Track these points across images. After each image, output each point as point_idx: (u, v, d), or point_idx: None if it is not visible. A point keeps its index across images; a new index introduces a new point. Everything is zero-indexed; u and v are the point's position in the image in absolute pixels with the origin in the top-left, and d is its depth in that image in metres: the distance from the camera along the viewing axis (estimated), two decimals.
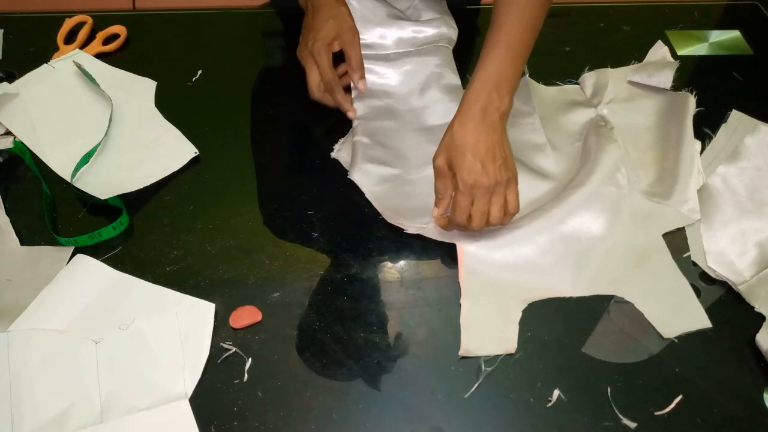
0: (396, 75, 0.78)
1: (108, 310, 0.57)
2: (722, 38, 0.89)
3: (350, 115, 0.74)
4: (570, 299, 0.61)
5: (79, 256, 0.61)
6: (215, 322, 0.57)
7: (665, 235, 0.65)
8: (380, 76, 0.78)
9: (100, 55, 0.82)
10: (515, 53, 0.61)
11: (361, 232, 0.66)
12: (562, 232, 0.64)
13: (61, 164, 0.69)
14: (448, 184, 0.61)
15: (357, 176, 0.68)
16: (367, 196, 0.67)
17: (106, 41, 0.83)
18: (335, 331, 0.58)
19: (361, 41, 0.77)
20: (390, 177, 0.69)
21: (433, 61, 0.78)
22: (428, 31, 0.79)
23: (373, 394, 0.54)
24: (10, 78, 0.77)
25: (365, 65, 0.76)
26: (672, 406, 0.54)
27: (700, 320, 0.59)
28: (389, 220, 0.65)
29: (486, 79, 0.61)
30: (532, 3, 0.62)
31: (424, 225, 0.64)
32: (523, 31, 0.62)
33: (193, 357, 0.55)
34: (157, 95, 0.77)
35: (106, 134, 0.71)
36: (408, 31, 0.79)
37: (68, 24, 0.84)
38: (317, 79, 0.72)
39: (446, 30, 0.80)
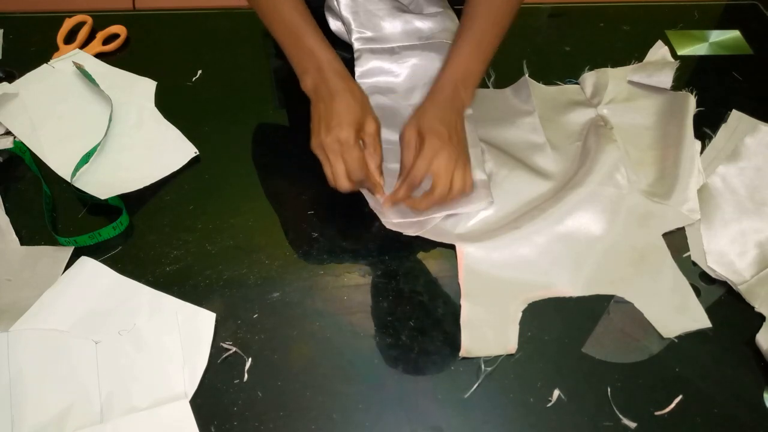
0: (402, 69, 0.77)
1: (109, 315, 0.57)
2: (722, 38, 0.89)
3: (379, 196, 0.65)
4: (570, 299, 0.61)
5: (83, 259, 0.61)
6: (216, 320, 0.57)
7: (665, 235, 0.65)
8: (387, 72, 0.77)
9: (100, 55, 0.82)
10: (482, 51, 0.67)
11: (361, 232, 0.66)
12: (560, 232, 0.64)
13: (61, 164, 0.69)
14: (413, 155, 0.63)
15: None
16: (365, 193, 0.67)
17: (106, 41, 0.83)
18: (335, 331, 0.58)
19: (365, 35, 0.76)
20: (386, 172, 0.68)
21: (438, 57, 0.77)
22: (432, 25, 0.79)
23: (373, 394, 0.54)
24: (10, 78, 0.77)
25: (371, 60, 0.76)
26: (672, 406, 0.54)
27: (700, 320, 0.59)
28: (388, 226, 0.65)
29: (454, 73, 0.66)
30: (502, 5, 0.67)
31: (414, 220, 0.64)
32: (491, 32, 0.68)
33: (193, 357, 0.55)
34: (157, 95, 0.77)
35: (106, 134, 0.71)
36: (412, 25, 0.79)
37: (68, 24, 0.84)
38: (343, 170, 0.61)
39: (450, 24, 0.80)
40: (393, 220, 0.65)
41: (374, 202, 0.66)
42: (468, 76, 0.67)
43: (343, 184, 0.61)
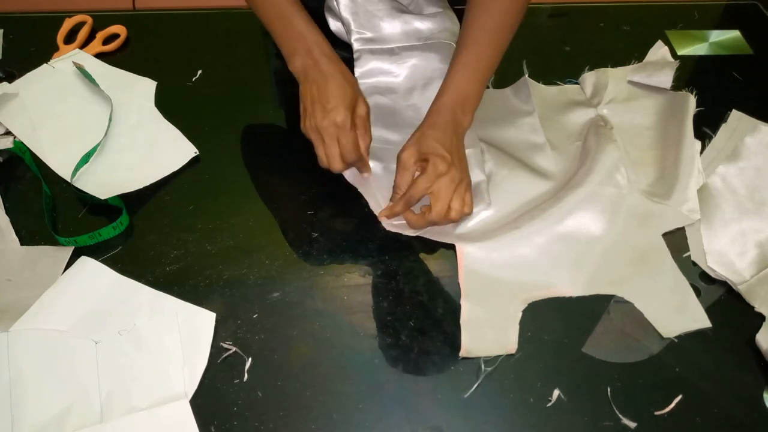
0: (401, 70, 0.78)
1: (109, 315, 0.57)
2: (722, 38, 0.89)
3: (366, 175, 0.69)
4: (570, 299, 0.61)
5: (83, 259, 0.61)
6: (216, 320, 0.57)
7: (665, 235, 0.65)
8: (386, 72, 0.77)
9: (100, 55, 0.82)
10: (481, 74, 0.66)
11: (361, 232, 0.66)
12: (560, 232, 0.64)
13: (61, 164, 0.69)
14: (409, 179, 0.63)
15: (349, 175, 0.69)
16: (361, 191, 0.68)
17: (106, 41, 0.83)
18: (335, 331, 0.58)
19: (364, 35, 0.76)
20: (387, 173, 0.69)
21: (437, 58, 0.77)
22: (432, 26, 0.79)
23: (373, 394, 0.54)
24: (10, 78, 0.77)
25: (371, 61, 0.76)
26: (672, 406, 0.54)
27: (700, 320, 0.59)
28: (387, 228, 0.65)
29: (452, 97, 0.65)
30: (500, 27, 0.66)
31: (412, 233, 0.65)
32: (490, 53, 0.66)
33: (192, 357, 0.55)
34: (157, 95, 0.77)
35: (105, 134, 0.71)
36: (412, 25, 0.79)
37: (68, 24, 0.84)
38: (338, 152, 0.64)
39: (450, 24, 0.80)
40: (393, 222, 0.65)
41: (374, 203, 0.67)
42: (466, 100, 0.65)
43: (337, 166, 0.64)
